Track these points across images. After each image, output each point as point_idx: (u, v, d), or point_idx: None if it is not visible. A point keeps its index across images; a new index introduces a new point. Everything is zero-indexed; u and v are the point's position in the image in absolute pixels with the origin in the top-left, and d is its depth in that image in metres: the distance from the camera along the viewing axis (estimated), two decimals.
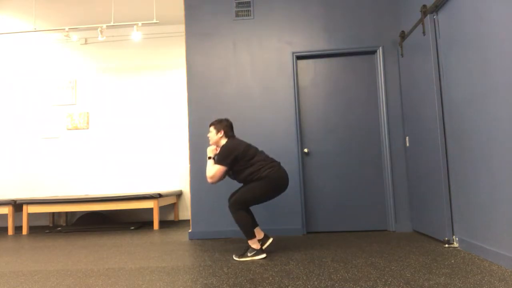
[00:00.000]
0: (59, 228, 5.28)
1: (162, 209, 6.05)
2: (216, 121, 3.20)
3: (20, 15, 5.62)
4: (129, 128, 6.18)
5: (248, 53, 4.26)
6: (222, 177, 3.05)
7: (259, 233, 3.14)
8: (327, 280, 2.28)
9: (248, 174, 3.00)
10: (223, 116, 4.19)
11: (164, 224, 5.58)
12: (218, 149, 3.17)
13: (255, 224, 3.19)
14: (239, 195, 2.98)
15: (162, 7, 5.62)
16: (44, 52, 6.44)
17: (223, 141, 3.15)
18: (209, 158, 3.15)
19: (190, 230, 4.15)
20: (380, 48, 4.15)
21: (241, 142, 3.08)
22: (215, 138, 3.16)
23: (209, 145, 3.29)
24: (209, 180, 3.03)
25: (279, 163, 3.08)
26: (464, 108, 2.86)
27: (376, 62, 4.19)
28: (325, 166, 4.17)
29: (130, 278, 2.52)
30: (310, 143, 4.22)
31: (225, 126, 3.16)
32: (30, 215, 6.13)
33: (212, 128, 3.19)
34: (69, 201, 5.06)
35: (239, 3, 4.30)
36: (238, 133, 4.15)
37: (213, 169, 3.01)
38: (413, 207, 3.86)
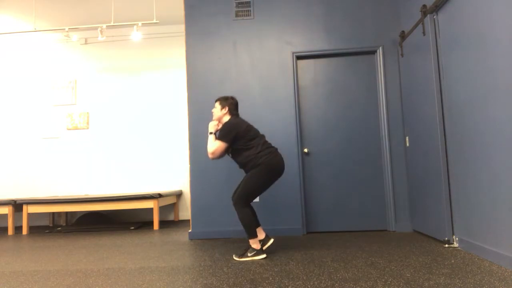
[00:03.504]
0: (59, 228, 5.28)
1: (162, 209, 6.05)
2: (221, 97, 3.21)
3: (20, 15, 5.62)
4: (129, 128, 6.18)
5: (248, 53, 4.26)
6: (222, 154, 3.08)
7: (261, 233, 3.14)
8: (327, 280, 2.28)
9: (245, 157, 3.03)
10: None
11: (164, 224, 5.58)
12: (220, 125, 3.17)
13: (257, 224, 3.19)
14: (241, 190, 3.01)
15: (162, 7, 5.62)
16: (44, 52, 6.44)
17: (226, 118, 3.16)
18: (210, 133, 3.14)
19: (190, 230, 4.15)
20: (380, 48, 4.15)
21: (244, 121, 3.11)
22: (219, 114, 3.18)
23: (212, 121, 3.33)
24: (210, 156, 3.06)
25: (276, 149, 3.10)
26: (464, 108, 2.86)
27: (376, 62, 4.19)
28: (325, 166, 4.17)
29: (130, 278, 2.52)
30: (310, 143, 4.22)
31: (230, 103, 3.18)
32: (30, 215, 6.13)
33: (217, 104, 3.20)
34: (69, 201, 5.06)
35: (239, 3, 4.30)
36: None
37: (214, 145, 3.04)
38: (413, 207, 3.86)
